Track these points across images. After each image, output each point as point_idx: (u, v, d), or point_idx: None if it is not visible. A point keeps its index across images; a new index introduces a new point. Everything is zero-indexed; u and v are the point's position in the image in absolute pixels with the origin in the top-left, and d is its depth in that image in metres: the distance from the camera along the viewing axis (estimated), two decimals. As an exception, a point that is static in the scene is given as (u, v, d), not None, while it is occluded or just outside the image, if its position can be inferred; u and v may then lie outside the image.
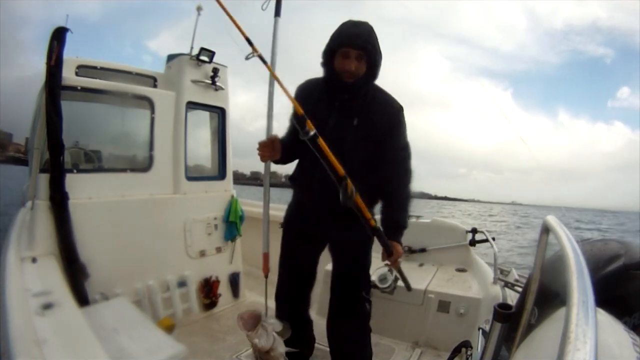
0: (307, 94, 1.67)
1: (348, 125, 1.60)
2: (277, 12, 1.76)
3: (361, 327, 1.82)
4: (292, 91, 1.70)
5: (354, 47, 1.51)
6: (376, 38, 1.55)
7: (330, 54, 1.56)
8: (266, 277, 1.77)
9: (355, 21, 1.57)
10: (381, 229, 1.59)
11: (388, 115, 1.63)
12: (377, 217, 1.66)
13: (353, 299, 1.81)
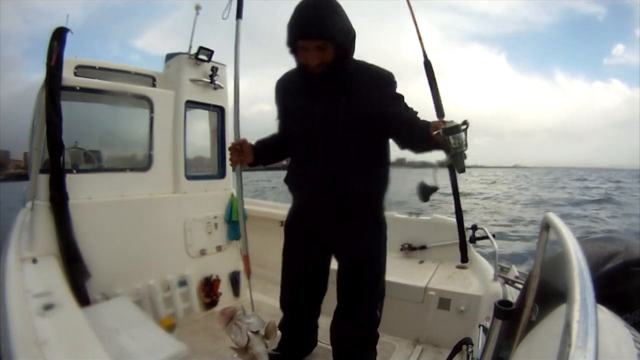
0: (287, 88, 1.60)
1: (336, 110, 1.42)
2: (239, 14, 1.75)
3: (366, 334, 1.70)
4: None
5: (310, 38, 1.31)
6: (337, 15, 1.32)
7: (293, 45, 1.38)
8: (248, 277, 1.80)
9: (307, 1, 1.31)
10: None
11: (379, 85, 1.45)
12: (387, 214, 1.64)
13: (359, 306, 1.66)
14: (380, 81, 1.46)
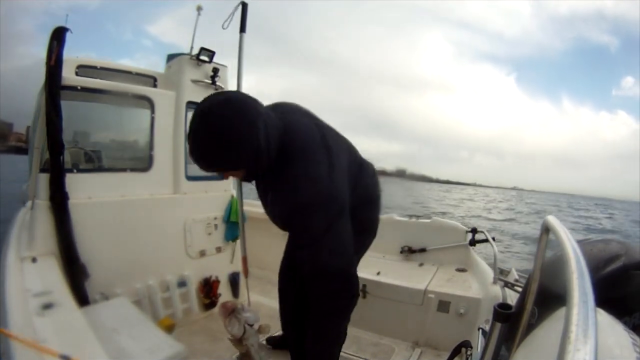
0: None
1: (268, 202, 1.43)
2: (242, 28, 1.79)
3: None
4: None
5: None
6: (226, 141, 1.16)
7: None
8: (246, 277, 2.00)
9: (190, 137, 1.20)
10: None
11: (287, 207, 1.34)
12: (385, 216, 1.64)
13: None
14: (288, 204, 1.32)
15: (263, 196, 1.47)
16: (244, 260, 1.84)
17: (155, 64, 2.73)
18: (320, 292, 1.31)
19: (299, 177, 1.27)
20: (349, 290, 1.32)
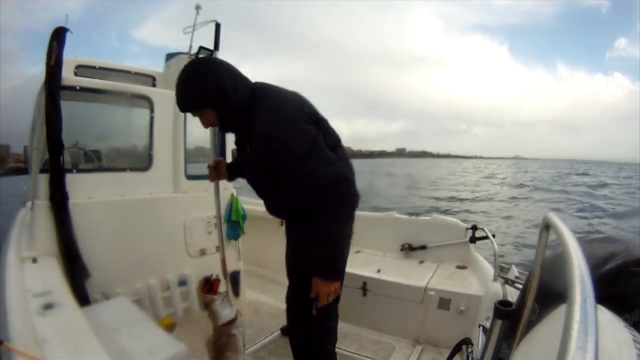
0: None
1: (246, 159, 1.57)
2: (216, 47, 2.06)
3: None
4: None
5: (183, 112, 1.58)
6: (200, 84, 1.41)
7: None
8: (225, 278, 1.97)
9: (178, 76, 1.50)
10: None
11: (258, 129, 1.40)
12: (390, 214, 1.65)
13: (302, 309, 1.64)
14: (258, 134, 1.41)
15: (241, 154, 1.60)
16: (223, 262, 1.98)
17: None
18: (323, 199, 1.35)
19: (265, 111, 1.40)
20: (349, 191, 1.39)
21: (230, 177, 1.86)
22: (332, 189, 1.34)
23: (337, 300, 1.59)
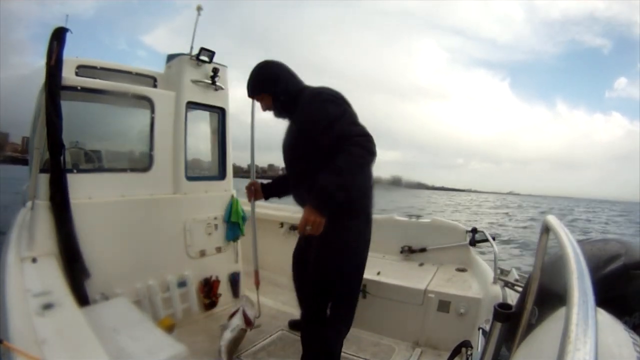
0: None
1: (289, 133, 1.87)
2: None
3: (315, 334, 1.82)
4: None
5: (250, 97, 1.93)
6: (260, 74, 1.84)
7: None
8: (257, 289, 2.33)
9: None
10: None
11: (301, 106, 1.74)
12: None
13: (309, 307, 1.85)
14: (303, 101, 1.75)
15: (286, 135, 1.90)
16: (256, 273, 2.30)
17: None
18: (350, 144, 1.53)
19: (309, 93, 1.76)
20: (371, 146, 1.57)
21: (267, 197, 2.16)
22: (358, 140, 1.54)
23: (352, 303, 1.92)
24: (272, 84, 1.81)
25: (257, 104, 1.94)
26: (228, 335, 2.07)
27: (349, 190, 1.54)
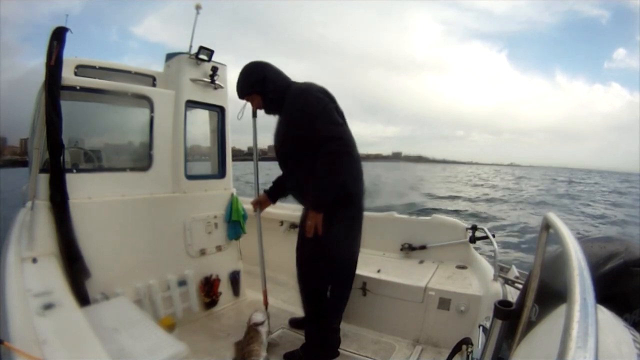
0: None
1: (278, 128, 2.03)
2: (254, 114, 2.35)
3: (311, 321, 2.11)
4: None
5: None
6: (248, 76, 1.99)
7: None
8: (266, 309, 2.41)
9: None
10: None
11: (287, 101, 1.91)
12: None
13: (304, 291, 2.10)
14: (286, 102, 1.93)
15: (275, 132, 2.05)
16: (265, 294, 2.46)
17: (143, 66, 2.72)
18: (325, 151, 1.74)
19: (294, 88, 1.93)
20: (344, 148, 1.78)
21: (274, 200, 2.37)
22: (331, 146, 1.73)
23: (348, 283, 2.15)
24: (260, 84, 1.97)
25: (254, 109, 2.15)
26: None
27: (336, 187, 1.80)
